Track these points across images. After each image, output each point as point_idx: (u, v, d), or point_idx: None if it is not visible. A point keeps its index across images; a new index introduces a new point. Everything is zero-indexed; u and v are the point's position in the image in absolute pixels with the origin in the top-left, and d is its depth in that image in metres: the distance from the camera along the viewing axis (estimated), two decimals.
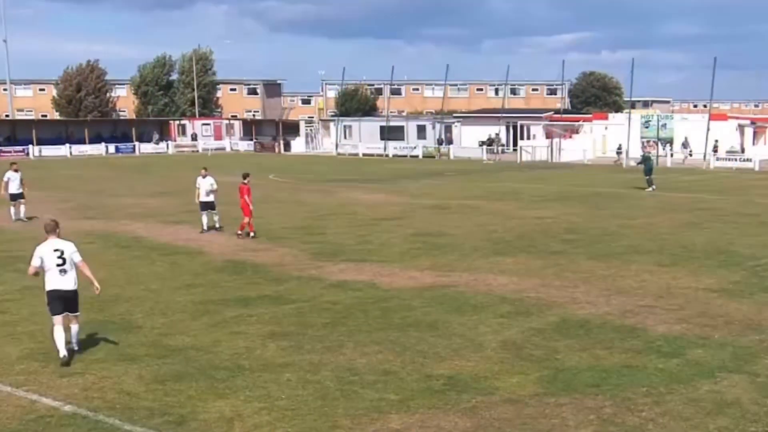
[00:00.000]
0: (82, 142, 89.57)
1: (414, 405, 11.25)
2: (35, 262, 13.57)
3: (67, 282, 13.48)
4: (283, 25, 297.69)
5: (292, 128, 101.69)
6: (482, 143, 79.83)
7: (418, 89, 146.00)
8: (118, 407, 11.22)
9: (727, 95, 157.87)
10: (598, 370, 12.68)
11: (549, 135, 75.52)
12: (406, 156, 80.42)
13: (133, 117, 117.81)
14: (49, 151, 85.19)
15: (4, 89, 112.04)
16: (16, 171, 32.37)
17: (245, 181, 26.73)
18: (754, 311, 16.45)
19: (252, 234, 26.54)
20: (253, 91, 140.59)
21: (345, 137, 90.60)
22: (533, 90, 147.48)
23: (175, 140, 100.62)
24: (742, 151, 69.69)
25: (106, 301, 17.59)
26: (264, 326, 15.49)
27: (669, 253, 23.20)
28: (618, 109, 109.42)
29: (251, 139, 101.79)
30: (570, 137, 75.96)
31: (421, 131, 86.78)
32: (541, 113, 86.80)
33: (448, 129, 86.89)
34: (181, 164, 71.48)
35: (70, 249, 13.65)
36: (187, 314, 16.53)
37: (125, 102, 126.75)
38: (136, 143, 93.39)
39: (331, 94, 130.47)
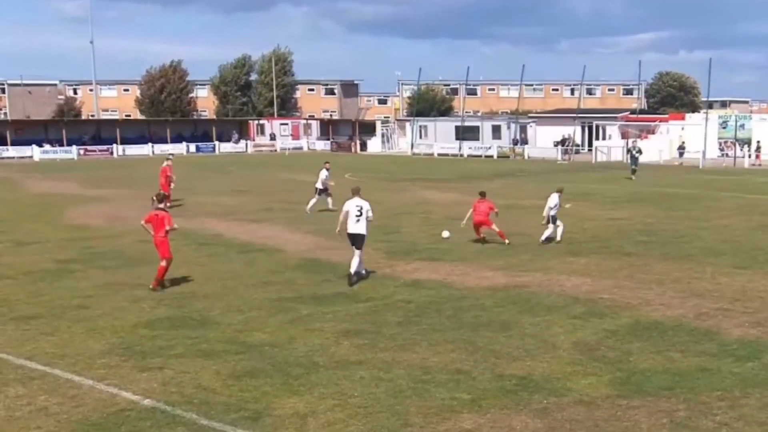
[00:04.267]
0: (164, 141, 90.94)
1: (486, 405, 11.20)
2: (343, 210, 19.70)
3: (359, 227, 19.36)
4: (361, 25, 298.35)
5: (368, 128, 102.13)
6: (557, 143, 79.20)
7: (493, 89, 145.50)
8: (196, 402, 11.36)
9: None
10: (671, 372, 12.50)
11: (624, 135, 74.52)
12: (480, 156, 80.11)
13: (213, 117, 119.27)
14: (133, 150, 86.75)
15: (90, 90, 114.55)
16: (327, 169, 34.67)
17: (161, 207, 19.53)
18: None
19: None
20: (330, 92, 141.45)
21: (420, 137, 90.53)
22: (609, 90, 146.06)
23: (253, 140, 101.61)
24: None
25: (184, 297, 17.88)
26: (338, 324, 15.56)
27: (745, 256, 22.76)
28: (695, 109, 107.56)
29: (328, 139, 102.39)
30: (646, 138, 74.93)
31: (496, 131, 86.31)
32: (617, 113, 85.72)
33: (523, 129, 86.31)
34: (260, 163, 72.17)
35: (367, 205, 19.62)
36: (264, 311, 16.68)
37: (205, 102, 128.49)
38: (216, 142, 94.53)
39: (407, 94, 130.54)
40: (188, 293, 18.31)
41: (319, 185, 34.13)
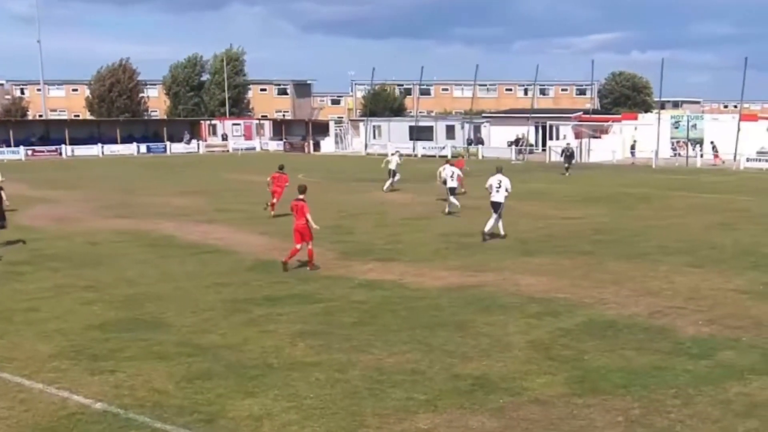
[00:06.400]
0: (114, 141, 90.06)
1: (442, 405, 11.24)
2: (487, 184, 26.44)
3: (498, 197, 25.89)
4: (316, 25, 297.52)
5: (321, 128, 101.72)
6: (511, 143, 79.57)
7: (447, 89, 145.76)
8: (148, 405, 11.28)
9: (759, 95, 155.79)
10: (626, 371, 12.62)
11: (578, 135, 75.07)
12: (435, 156, 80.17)
13: (164, 117, 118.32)
14: (82, 150, 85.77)
15: (38, 90, 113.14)
16: (452, 165, 36.06)
17: (302, 197, 21.28)
18: None
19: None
20: (283, 92, 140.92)
21: (374, 137, 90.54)
22: (562, 90, 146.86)
23: (205, 140, 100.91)
24: None
25: (136, 299, 17.75)
26: (293, 325, 15.52)
27: (698, 254, 23.04)
28: (647, 109, 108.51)
29: (281, 139, 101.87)
30: (599, 137, 75.56)
31: (450, 131, 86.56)
32: (571, 113, 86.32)
33: (477, 129, 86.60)
34: (212, 164, 71.79)
35: (506, 181, 26.08)
36: (217, 313, 16.60)
37: (157, 102, 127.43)
38: (167, 143, 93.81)
39: (361, 94, 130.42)
40: (140, 295, 18.17)
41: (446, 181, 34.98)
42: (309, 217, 20.98)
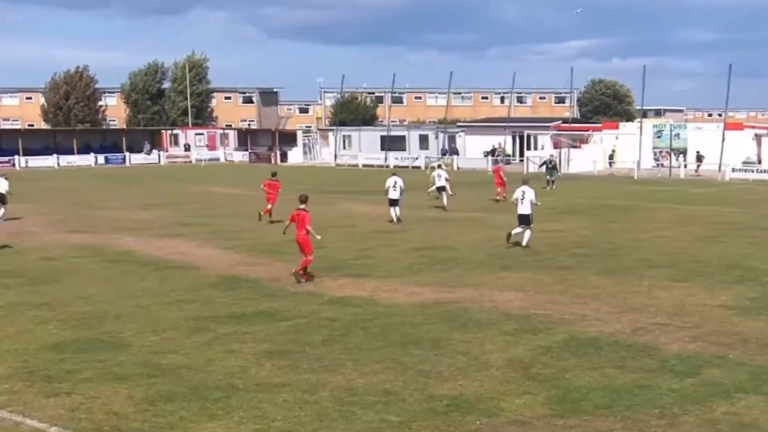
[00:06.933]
0: (70, 152, 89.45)
1: (416, 427, 11.21)
2: (513, 197, 27.96)
3: (524, 209, 26.93)
4: (283, 31, 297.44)
5: (288, 138, 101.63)
6: (487, 153, 79.74)
7: (420, 97, 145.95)
8: (107, 429, 11.18)
9: (744, 104, 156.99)
10: (608, 390, 12.64)
11: (557, 145, 75.40)
12: (407, 167, 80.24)
13: (124, 127, 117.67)
14: (36, 162, 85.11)
15: None
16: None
17: (303, 207, 21.99)
18: None
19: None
20: (248, 100, 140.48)
21: (344, 147, 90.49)
22: (540, 98, 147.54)
23: (167, 150, 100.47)
24: (759, 161, 69.53)
25: (94, 317, 17.61)
26: (259, 344, 15.45)
27: (682, 268, 23.15)
28: (629, 118, 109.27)
29: (246, 150, 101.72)
30: (579, 147, 75.94)
31: (424, 141, 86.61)
32: (549, 122, 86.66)
33: (452, 139, 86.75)
34: (173, 175, 71.50)
35: (530, 192, 27.09)
36: (179, 332, 16.49)
37: (116, 111, 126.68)
38: (127, 153, 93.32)
39: (330, 102, 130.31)
40: (98, 313, 18.03)
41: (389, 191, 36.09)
42: (310, 228, 21.36)
